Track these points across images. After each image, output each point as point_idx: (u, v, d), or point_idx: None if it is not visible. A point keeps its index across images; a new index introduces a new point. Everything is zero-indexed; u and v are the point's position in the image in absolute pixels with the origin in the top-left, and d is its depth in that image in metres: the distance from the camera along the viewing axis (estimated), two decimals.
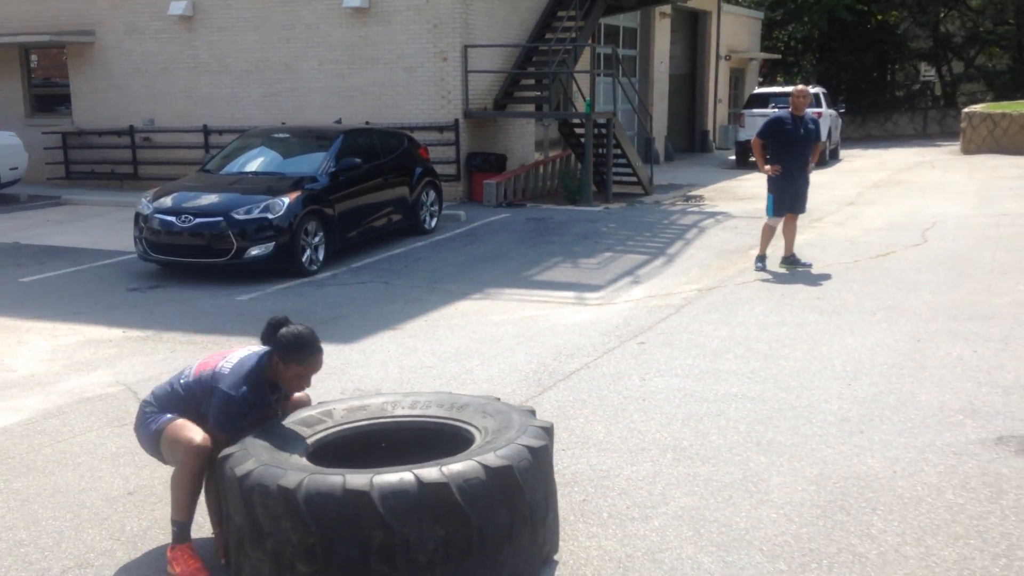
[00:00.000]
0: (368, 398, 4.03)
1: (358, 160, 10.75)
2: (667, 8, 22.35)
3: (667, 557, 3.73)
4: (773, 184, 9.33)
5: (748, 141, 14.52)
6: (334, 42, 15.47)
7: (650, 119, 19.32)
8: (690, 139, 26.83)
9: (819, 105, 21.69)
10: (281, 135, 11.89)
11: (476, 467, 3.20)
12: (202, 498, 3.73)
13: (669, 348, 6.71)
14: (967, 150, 23.26)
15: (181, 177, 11.78)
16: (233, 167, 11.03)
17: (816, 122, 9.54)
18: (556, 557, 3.71)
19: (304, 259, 9.75)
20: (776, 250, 9.65)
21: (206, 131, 16.28)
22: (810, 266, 9.42)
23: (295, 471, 3.21)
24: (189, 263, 9.70)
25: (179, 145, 16.49)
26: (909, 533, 3.89)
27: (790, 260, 9.47)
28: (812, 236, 11.22)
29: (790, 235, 9.53)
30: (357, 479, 3.12)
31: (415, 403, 3.92)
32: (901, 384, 5.78)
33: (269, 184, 10.14)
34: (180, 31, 16.55)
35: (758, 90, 24.89)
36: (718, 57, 27.06)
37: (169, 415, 3.76)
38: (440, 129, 14.89)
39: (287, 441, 3.53)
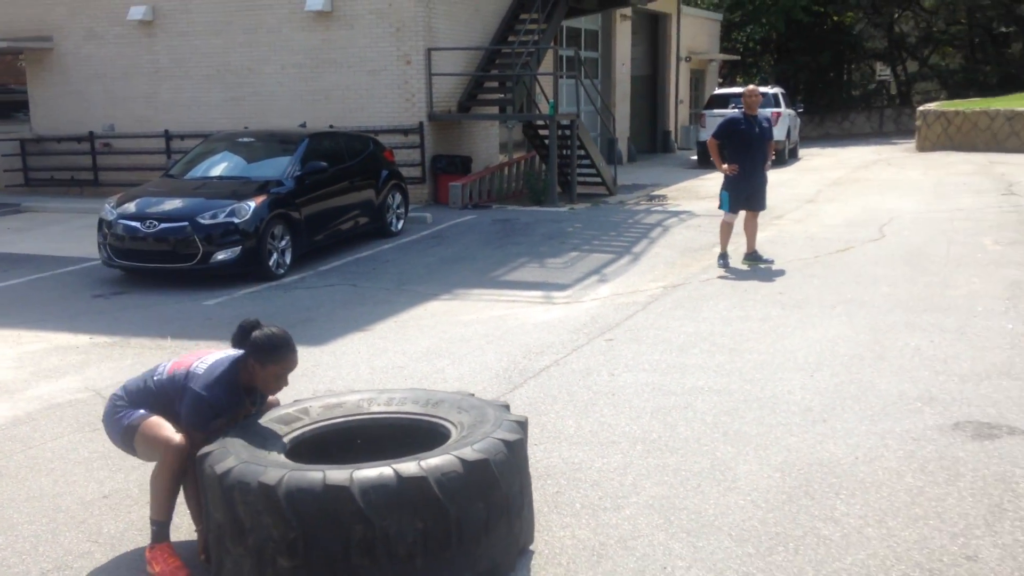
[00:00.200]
0: (344, 395, 4.08)
1: (324, 163, 10.76)
2: (628, 11, 22.57)
3: (639, 544, 3.83)
4: (728, 182, 9.53)
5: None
6: (296, 46, 15.44)
7: (613, 120, 19.51)
8: (652, 139, 27.10)
9: (777, 105, 22.05)
10: (246, 139, 11.86)
11: (453, 461, 3.27)
12: (181, 497, 3.76)
13: (636, 344, 6.82)
14: (922, 147, 23.75)
15: (144, 183, 11.71)
16: (197, 172, 10.98)
17: (769, 121, 9.79)
18: (532, 547, 3.80)
19: (271, 263, 9.75)
20: (738, 247, 9.83)
21: (167, 136, 16.17)
22: (772, 262, 9.61)
23: (275, 468, 3.26)
24: (154, 268, 9.66)
25: (140, 151, 16.35)
26: (871, 515, 4.02)
27: (752, 256, 9.65)
28: (773, 233, 11.43)
29: (751, 232, 9.71)
30: (337, 474, 3.17)
31: (390, 400, 3.98)
32: (861, 374, 5.94)
33: (234, 188, 10.13)
34: (140, 36, 16.42)
35: (718, 91, 25.21)
36: (678, 58, 27.36)
37: (142, 411, 3.77)
38: (405, 132, 14.93)
39: (265, 439, 3.58)
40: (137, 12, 16.13)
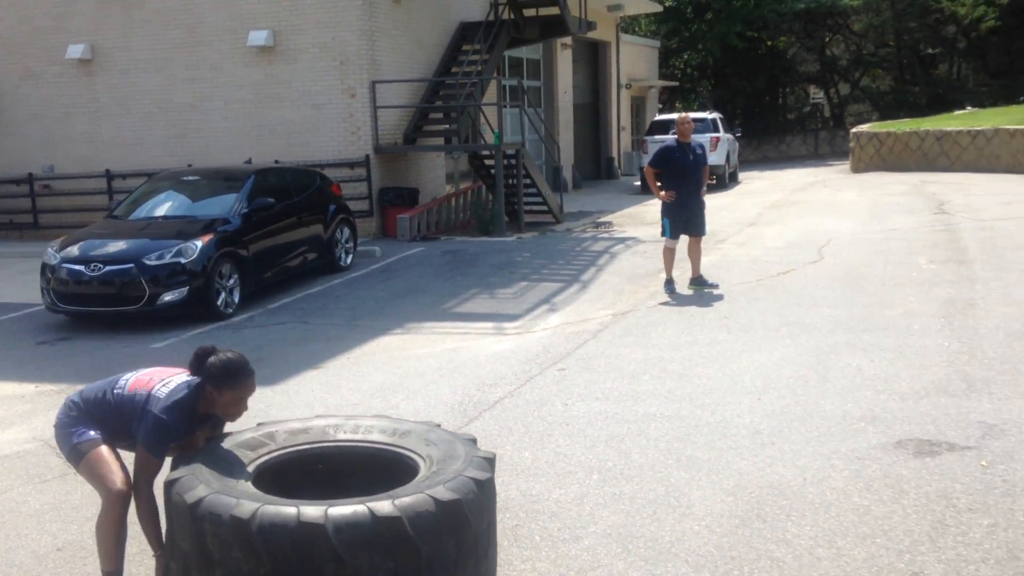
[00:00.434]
0: (309, 420, 4.03)
1: (272, 200, 10.73)
2: (568, 40, 22.93)
3: (599, 575, 3.90)
4: (667, 209, 9.75)
5: None
6: (240, 81, 15.41)
7: (557, 148, 19.76)
8: (596, 166, 27.47)
9: (716, 130, 22.55)
10: (191, 177, 11.79)
11: (427, 500, 3.26)
12: (131, 547, 3.74)
13: (588, 373, 6.93)
14: (856, 168, 24.43)
15: (88, 225, 11.55)
16: (142, 212, 10.88)
17: (703, 147, 10.05)
18: None
19: (219, 302, 9.68)
20: (684, 272, 10.03)
21: (109, 176, 15.97)
22: (716, 286, 9.82)
23: (247, 500, 3.21)
24: (100, 312, 9.53)
25: (81, 191, 16.11)
26: (821, 536, 4.15)
27: (697, 281, 9.86)
28: (716, 257, 11.67)
29: (695, 257, 9.92)
30: (312, 511, 3.15)
31: (357, 427, 3.94)
32: (806, 395, 6.11)
33: (180, 228, 10.05)
34: (79, 75, 16.24)
35: (659, 117, 25.71)
36: (619, 86, 27.85)
37: (92, 434, 3.70)
38: (351, 165, 14.96)
39: (232, 465, 3.53)
40: (75, 51, 15.96)
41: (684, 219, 9.73)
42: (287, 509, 3.17)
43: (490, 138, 16.19)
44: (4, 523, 4.73)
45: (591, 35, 23.34)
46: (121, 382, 3.79)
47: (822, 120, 40.28)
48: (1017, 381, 6.15)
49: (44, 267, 9.77)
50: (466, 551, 3.41)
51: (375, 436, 3.89)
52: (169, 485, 3.41)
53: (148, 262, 9.36)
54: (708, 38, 34.82)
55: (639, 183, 23.41)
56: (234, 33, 15.25)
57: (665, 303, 9.32)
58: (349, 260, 12.46)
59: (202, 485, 3.31)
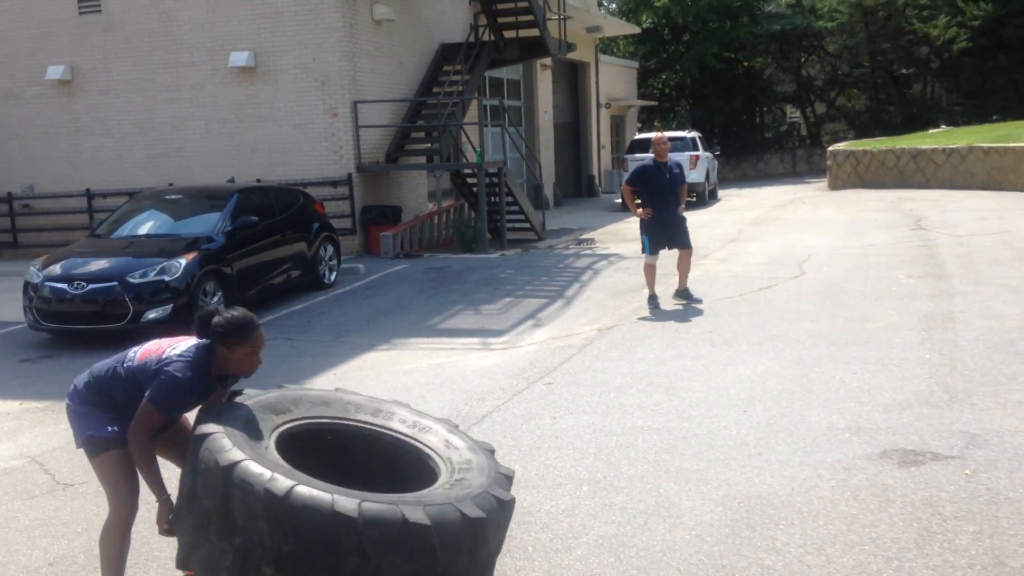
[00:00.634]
0: (332, 393, 4.03)
1: (255, 218, 10.74)
2: (548, 60, 23.13)
3: None
4: (645, 226, 9.85)
5: None
6: (221, 101, 15.43)
7: (538, 166, 19.90)
8: (577, 184, 27.66)
9: (695, 149, 22.77)
10: (173, 196, 11.77)
11: (455, 513, 3.29)
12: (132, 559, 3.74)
13: (575, 387, 6.97)
14: (834, 186, 24.72)
15: (68, 243, 11.51)
16: (124, 230, 10.85)
17: (680, 166, 10.15)
18: None
19: None
20: (667, 287, 10.11)
21: (89, 195, 15.91)
22: (700, 301, 9.91)
23: (283, 476, 3.19)
24: (84, 330, 9.48)
25: (62, 211, 16.04)
26: (810, 544, 4.20)
27: (683, 294, 9.93)
28: (699, 273, 11.77)
29: (684, 270, 10.00)
30: (346, 503, 3.15)
31: (377, 411, 3.95)
32: (792, 407, 6.18)
33: (163, 246, 10.04)
34: (59, 95, 16.21)
35: (638, 136, 25.90)
36: (599, 105, 28.10)
37: (110, 428, 3.67)
38: (334, 184, 14.99)
39: (259, 429, 3.51)
40: (55, 71, 15.93)
41: (666, 236, 9.83)
42: (322, 495, 3.15)
43: (472, 157, 16.28)
44: None
45: (571, 56, 23.57)
46: (130, 355, 3.78)
47: (799, 139, 40.74)
48: (997, 392, 6.25)
49: (27, 285, 9.72)
50: (478, 567, 3.44)
51: (395, 424, 3.88)
52: (199, 440, 3.36)
53: (132, 280, 9.34)
54: (686, 59, 35.23)
55: (619, 200, 23.57)
56: (215, 54, 15.29)
57: (649, 318, 9.39)
58: (333, 277, 12.47)
59: (236, 449, 3.27)
